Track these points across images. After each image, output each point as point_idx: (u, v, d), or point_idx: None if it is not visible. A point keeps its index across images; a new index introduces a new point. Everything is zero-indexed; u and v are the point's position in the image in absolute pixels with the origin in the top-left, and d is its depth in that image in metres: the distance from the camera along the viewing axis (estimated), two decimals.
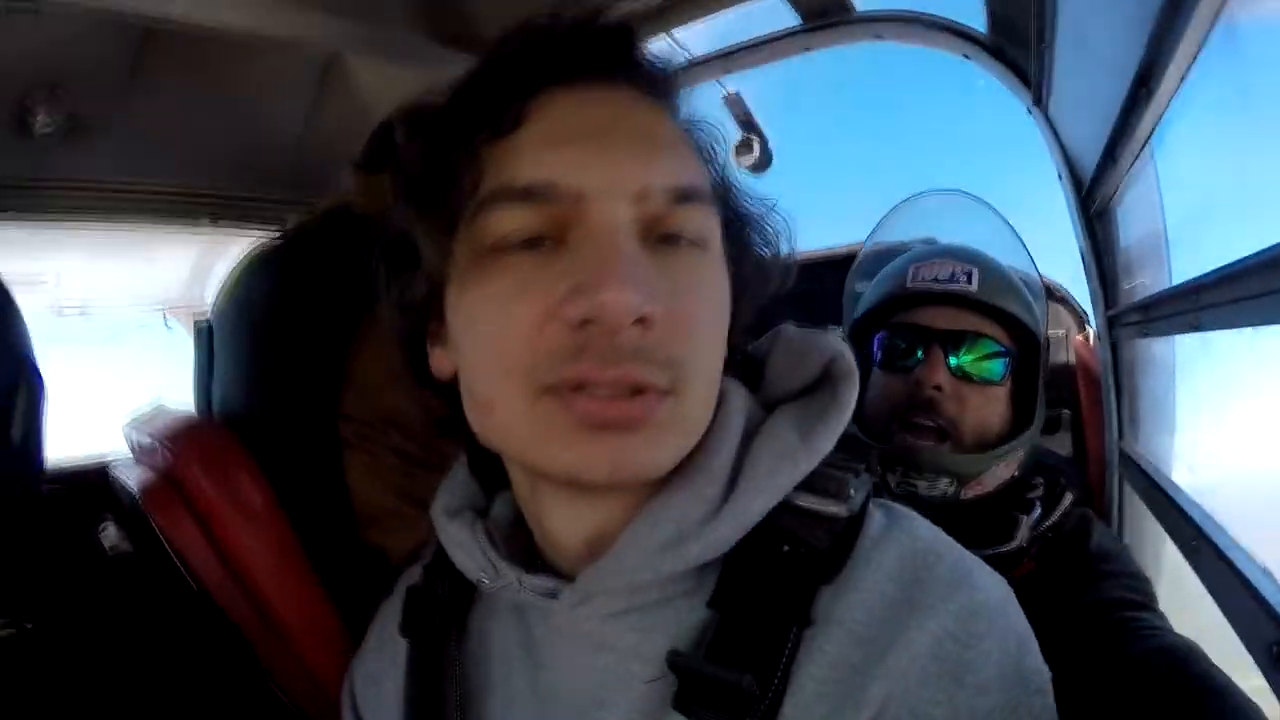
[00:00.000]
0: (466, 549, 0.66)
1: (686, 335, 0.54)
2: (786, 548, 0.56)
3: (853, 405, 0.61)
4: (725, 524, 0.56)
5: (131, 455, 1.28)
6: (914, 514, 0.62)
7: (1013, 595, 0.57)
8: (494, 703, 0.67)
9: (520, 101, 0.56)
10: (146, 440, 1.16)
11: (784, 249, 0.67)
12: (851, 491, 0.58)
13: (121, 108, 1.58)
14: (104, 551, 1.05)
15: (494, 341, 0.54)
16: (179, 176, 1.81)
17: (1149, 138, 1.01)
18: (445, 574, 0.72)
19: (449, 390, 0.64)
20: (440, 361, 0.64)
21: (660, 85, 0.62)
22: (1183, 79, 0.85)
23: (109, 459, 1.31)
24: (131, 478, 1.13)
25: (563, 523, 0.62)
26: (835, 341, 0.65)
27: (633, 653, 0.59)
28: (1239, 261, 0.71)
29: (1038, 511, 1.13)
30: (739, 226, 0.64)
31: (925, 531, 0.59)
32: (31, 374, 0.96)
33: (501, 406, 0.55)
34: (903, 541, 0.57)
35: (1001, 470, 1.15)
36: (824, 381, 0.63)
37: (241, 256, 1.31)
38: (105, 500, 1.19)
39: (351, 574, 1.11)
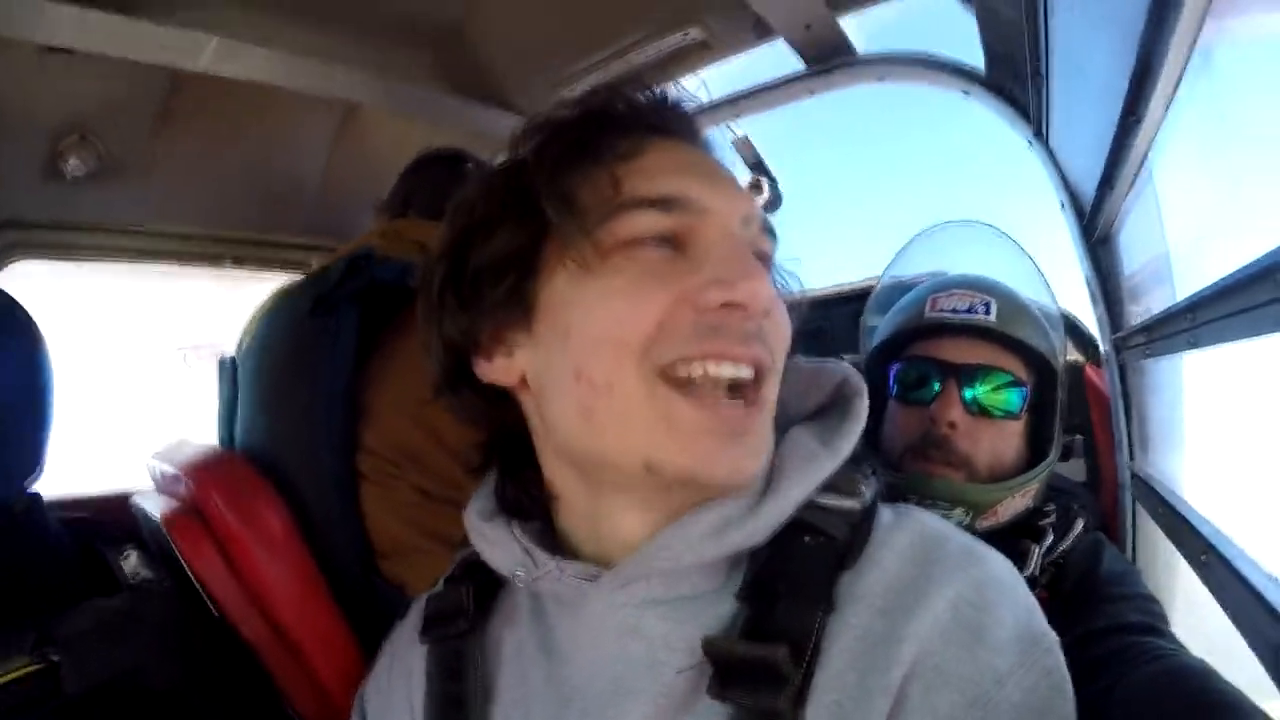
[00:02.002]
0: (503, 545, 0.71)
1: (781, 333, 0.65)
2: (808, 538, 0.63)
3: (865, 417, 0.69)
4: (764, 515, 0.62)
5: (154, 486, 1.32)
6: (918, 508, 0.69)
7: (1018, 573, 0.63)
8: (505, 702, 0.71)
9: (642, 137, 0.66)
10: (170, 470, 1.20)
11: (795, 288, 0.75)
12: (863, 489, 0.66)
13: (149, 153, 1.66)
14: (125, 579, 1.07)
15: (621, 320, 0.60)
16: (203, 220, 1.89)
17: (1142, 163, 1.03)
18: (469, 581, 0.77)
19: (500, 402, 0.71)
20: (502, 371, 0.69)
21: (715, 154, 0.72)
22: (1169, 104, 0.87)
23: (131, 491, 1.35)
24: (154, 507, 1.16)
25: (627, 522, 0.66)
26: (843, 365, 0.73)
27: (663, 642, 0.63)
28: (1228, 277, 0.73)
29: (1050, 539, 1.12)
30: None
31: (931, 520, 0.66)
32: (42, 401, 1.03)
33: (621, 389, 0.60)
34: (913, 528, 0.64)
35: (1017, 501, 1.15)
36: (837, 400, 0.71)
37: (263, 297, 1.37)
38: (127, 530, 1.23)
39: (368, 603, 1.13)
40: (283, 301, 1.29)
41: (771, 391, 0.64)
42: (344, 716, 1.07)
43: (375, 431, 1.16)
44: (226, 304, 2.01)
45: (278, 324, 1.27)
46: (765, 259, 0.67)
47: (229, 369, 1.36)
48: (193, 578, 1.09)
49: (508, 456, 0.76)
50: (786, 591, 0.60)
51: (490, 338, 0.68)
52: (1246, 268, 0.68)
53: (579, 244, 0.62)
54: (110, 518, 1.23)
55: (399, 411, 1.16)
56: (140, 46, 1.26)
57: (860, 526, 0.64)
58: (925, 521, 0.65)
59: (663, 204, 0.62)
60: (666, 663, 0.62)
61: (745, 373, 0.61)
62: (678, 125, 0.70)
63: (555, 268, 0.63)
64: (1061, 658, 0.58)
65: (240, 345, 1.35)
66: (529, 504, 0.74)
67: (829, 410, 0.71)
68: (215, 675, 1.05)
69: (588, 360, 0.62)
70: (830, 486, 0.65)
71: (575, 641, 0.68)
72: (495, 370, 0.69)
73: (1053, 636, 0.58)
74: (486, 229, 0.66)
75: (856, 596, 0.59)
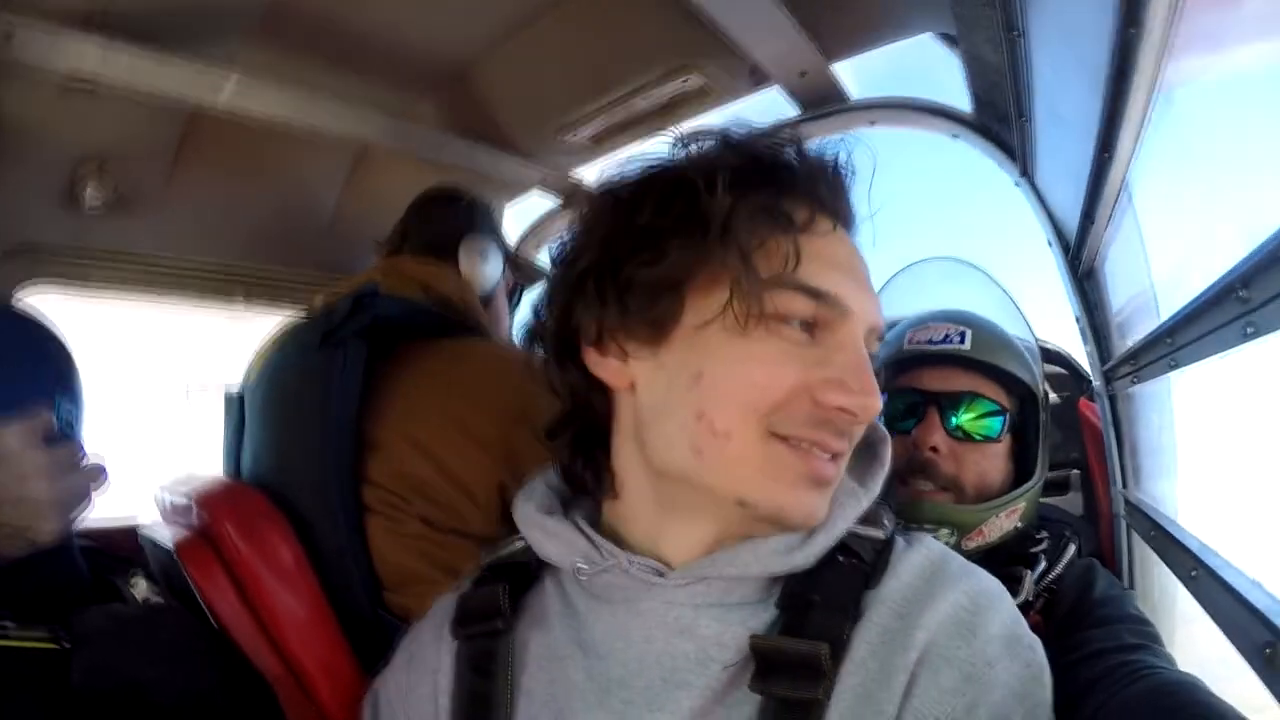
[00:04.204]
0: (566, 539, 0.77)
1: (863, 428, 0.73)
2: (843, 559, 0.72)
3: (889, 460, 0.80)
4: (817, 543, 0.71)
5: (162, 517, 1.33)
6: (926, 536, 0.79)
7: (1005, 590, 0.72)
8: (534, 701, 0.74)
9: (816, 211, 0.70)
10: (181, 500, 1.21)
11: None
12: (886, 522, 0.76)
13: (165, 186, 1.70)
14: (135, 602, 1.09)
15: (755, 387, 0.67)
16: (216, 254, 1.92)
17: (1119, 195, 1.07)
18: (504, 580, 0.82)
19: (595, 389, 0.77)
20: (614, 372, 0.74)
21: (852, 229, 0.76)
22: (1138, 137, 0.92)
23: (134, 522, 1.37)
24: (163, 536, 1.18)
25: (688, 535, 0.74)
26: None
27: (715, 641, 0.69)
28: (1197, 299, 0.77)
29: (1043, 565, 1.15)
30: None
31: (937, 545, 0.77)
32: (72, 429, 1.05)
33: (738, 439, 0.68)
34: (922, 552, 0.74)
35: (1003, 521, 1.17)
36: (865, 444, 0.78)
37: (270, 332, 1.40)
38: (134, 558, 1.24)
39: (375, 636, 1.13)
40: (290, 336, 1.32)
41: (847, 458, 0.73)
42: None
43: (381, 464, 1.19)
44: (231, 341, 2.03)
45: (286, 358, 1.30)
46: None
47: (235, 402, 1.38)
48: (203, 604, 1.10)
49: (583, 436, 0.80)
50: (821, 603, 0.69)
51: (611, 338, 0.73)
52: (1211, 288, 0.72)
53: (747, 303, 0.66)
54: (117, 547, 1.23)
55: (403, 444, 1.19)
56: (162, 81, 1.31)
57: (883, 552, 0.74)
58: (932, 547, 0.75)
59: (820, 296, 0.67)
60: (715, 659, 0.68)
61: (827, 458, 0.69)
62: (840, 208, 0.74)
63: (707, 306, 0.68)
64: (1042, 656, 0.67)
65: (247, 378, 1.38)
66: (594, 486, 0.80)
67: (861, 451, 0.78)
68: (221, 700, 1.04)
69: (714, 408, 0.68)
70: (863, 518, 0.75)
71: (620, 637, 0.73)
72: (606, 368, 0.74)
73: (1034, 639, 0.68)
74: (653, 243, 0.69)
75: (878, 601, 0.69)
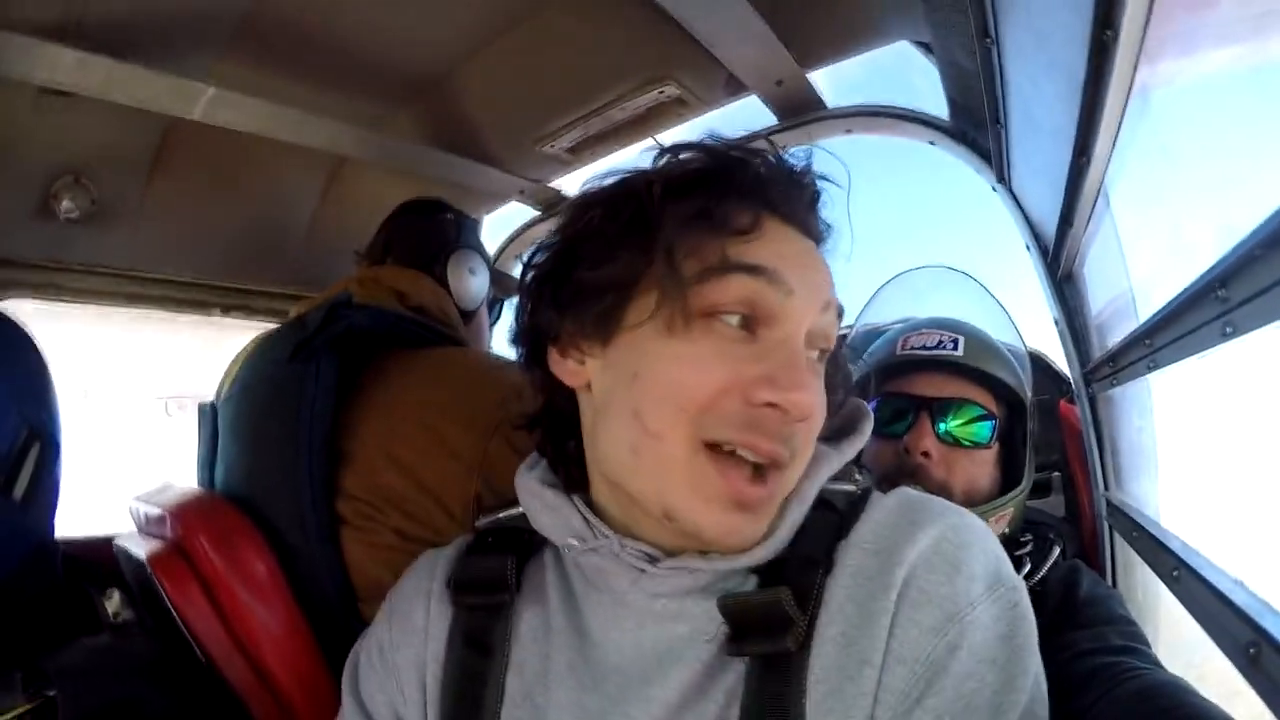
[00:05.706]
0: (562, 514, 0.76)
1: (812, 434, 0.70)
2: (813, 512, 0.72)
3: (869, 434, 0.79)
4: (791, 514, 0.71)
5: (137, 529, 1.31)
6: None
7: (991, 531, 0.71)
8: (524, 677, 0.75)
9: (760, 212, 0.69)
10: (155, 512, 1.20)
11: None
12: (859, 477, 0.76)
13: (141, 198, 1.68)
14: (107, 618, 1.06)
15: (683, 386, 0.66)
16: (193, 267, 1.90)
17: (1096, 199, 1.08)
18: (508, 549, 0.82)
19: (563, 389, 0.77)
20: (571, 373, 0.75)
21: (822, 242, 0.76)
22: (1115, 141, 0.93)
23: (113, 535, 1.34)
24: (138, 549, 1.16)
25: (651, 536, 0.73)
26: (854, 399, 0.82)
27: (706, 616, 0.69)
28: (1175, 300, 0.78)
29: (1027, 567, 1.15)
30: None
31: (920, 493, 0.75)
32: (48, 435, 1.01)
33: (670, 441, 0.67)
34: (900, 495, 0.73)
35: (992, 527, 1.17)
36: (847, 426, 0.79)
37: (246, 344, 1.38)
38: (110, 571, 1.21)
39: (350, 646, 1.12)
40: (263, 348, 1.30)
41: (792, 475, 0.70)
42: None
43: (355, 476, 1.17)
44: (209, 354, 2.01)
45: (259, 370, 1.28)
46: (828, 348, 0.73)
47: (209, 414, 1.36)
48: (177, 618, 1.08)
49: (558, 432, 0.81)
50: (793, 558, 0.69)
51: (569, 339, 0.74)
52: (1189, 288, 0.72)
53: (673, 303, 0.67)
54: (92, 558, 1.22)
55: (378, 456, 1.18)
56: (137, 92, 1.31)
57: (857, 504, 0.73)
58: (911, 491, 0.74)
59: (755, 270, 0.66)
60: (706, 632, 0.69)
61: (763, 461, 0.66)
62: (795, 212, 0.72)
63: (644, 308, 0.68)
64: (1025, 597, 0.66)
65: (221, 391, 1.36)
66: (579, 477, 0.80)
67: (841, 434, 0.79)
68: (204, 712, 1.03)
69: (647, 407, 0.67)
70: (834, 476, 0.74)
71: (614, 625, 0.73)
72: (565, 369, 0.75)
73: (1017, 580, 0.67)
74: (602, 247, 0.71)
75: (851, 546, 0.68)
